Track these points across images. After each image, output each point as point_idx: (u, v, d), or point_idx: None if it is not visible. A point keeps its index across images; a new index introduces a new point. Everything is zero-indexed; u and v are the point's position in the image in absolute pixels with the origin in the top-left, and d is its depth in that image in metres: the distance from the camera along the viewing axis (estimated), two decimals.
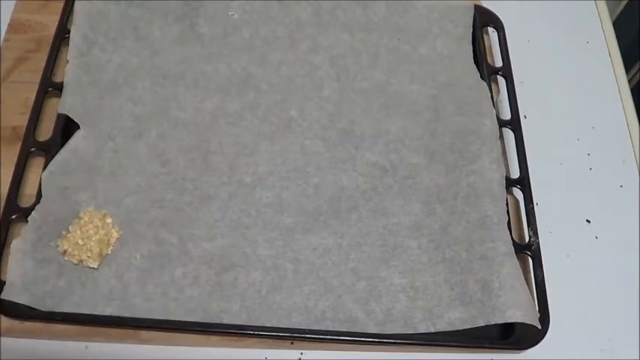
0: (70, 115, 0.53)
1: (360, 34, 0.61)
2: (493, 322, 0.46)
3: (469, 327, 0.47)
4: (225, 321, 0.47)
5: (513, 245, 0.50)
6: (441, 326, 0.47)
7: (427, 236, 0.51)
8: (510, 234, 0.50)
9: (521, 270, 0.49)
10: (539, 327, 0.47)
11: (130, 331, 0.47)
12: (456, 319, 0.47)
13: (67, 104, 0.53)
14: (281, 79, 0.58)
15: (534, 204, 0.53)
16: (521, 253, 0.50)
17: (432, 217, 0.52)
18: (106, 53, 0.56)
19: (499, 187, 0.52)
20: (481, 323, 0.47)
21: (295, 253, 0.50)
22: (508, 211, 0.52)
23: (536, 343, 0.47)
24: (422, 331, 0.47)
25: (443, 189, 0.53)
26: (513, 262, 0.49)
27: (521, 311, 0.46)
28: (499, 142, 0.55)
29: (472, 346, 0.48)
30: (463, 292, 0.48)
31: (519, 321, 0.46)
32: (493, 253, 0.49)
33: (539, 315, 0.48)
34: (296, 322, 0.47)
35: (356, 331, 0.47)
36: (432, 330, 0.47)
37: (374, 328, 0.47)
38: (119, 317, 0.46)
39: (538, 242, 0.51)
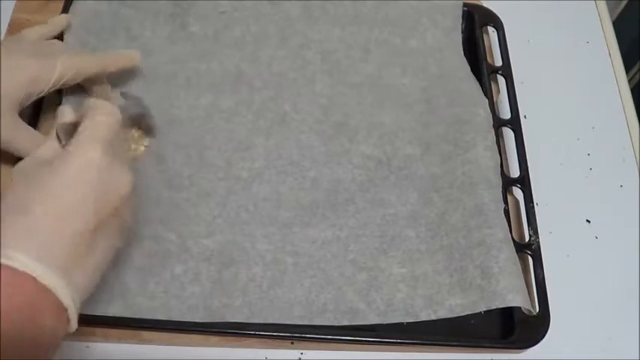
0: None
1: (350, 28, 0.61)
2: (494, 307, 0.46)
3: (470, 312, 0.47)
4: (228, 316, 0.46)
5: (513, 245, 0.50)
6: (442, 313, 0.47)
7: (425, 225, 0.52)
8: (510, 232, 0.50)
9: (517, 256, 0.49)
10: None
11: (130, 331, 0.46)
12: (456, 305, 0.48)
13: None
14: (273, 75, 0.58)
15: (534, 204, 0.53)
16: (521, 253, 0.50)
17: (428, 206, 0.52)
18: None
19: (494, 174, 0.53)
20: (482, 308, 0.47)
21: (294, 246, 0.50)
22: (507, 209, 0.52)
23: (537, 343, 0.47)
24: (423, 319, 0.47)
25: (438, 178, 0.54)
26: (510, 247, 0.49)
27: (520, 295, 0.47)
28: (492, 130, 0.55)
29: (472, 345, 0.48)
30: (463, 279, 0.49)
31: (520, 305, 0.46)
32: (491, 239, 0.49)
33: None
34: (298, 315, 0.47)
35: (357, 322, 0.47)
36: (433, 317, 0.47)
37: (375, 319, 0.47)
38: (119, 317, 0.46)
39: (538, 242, 0.51)
